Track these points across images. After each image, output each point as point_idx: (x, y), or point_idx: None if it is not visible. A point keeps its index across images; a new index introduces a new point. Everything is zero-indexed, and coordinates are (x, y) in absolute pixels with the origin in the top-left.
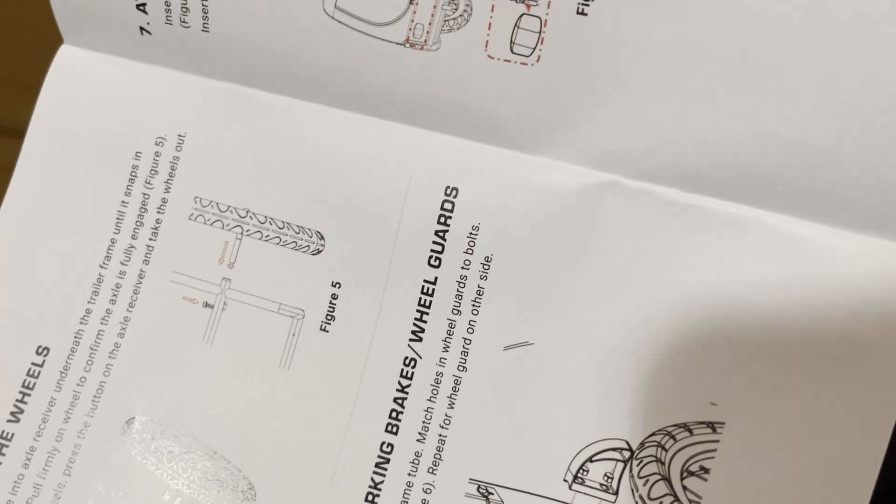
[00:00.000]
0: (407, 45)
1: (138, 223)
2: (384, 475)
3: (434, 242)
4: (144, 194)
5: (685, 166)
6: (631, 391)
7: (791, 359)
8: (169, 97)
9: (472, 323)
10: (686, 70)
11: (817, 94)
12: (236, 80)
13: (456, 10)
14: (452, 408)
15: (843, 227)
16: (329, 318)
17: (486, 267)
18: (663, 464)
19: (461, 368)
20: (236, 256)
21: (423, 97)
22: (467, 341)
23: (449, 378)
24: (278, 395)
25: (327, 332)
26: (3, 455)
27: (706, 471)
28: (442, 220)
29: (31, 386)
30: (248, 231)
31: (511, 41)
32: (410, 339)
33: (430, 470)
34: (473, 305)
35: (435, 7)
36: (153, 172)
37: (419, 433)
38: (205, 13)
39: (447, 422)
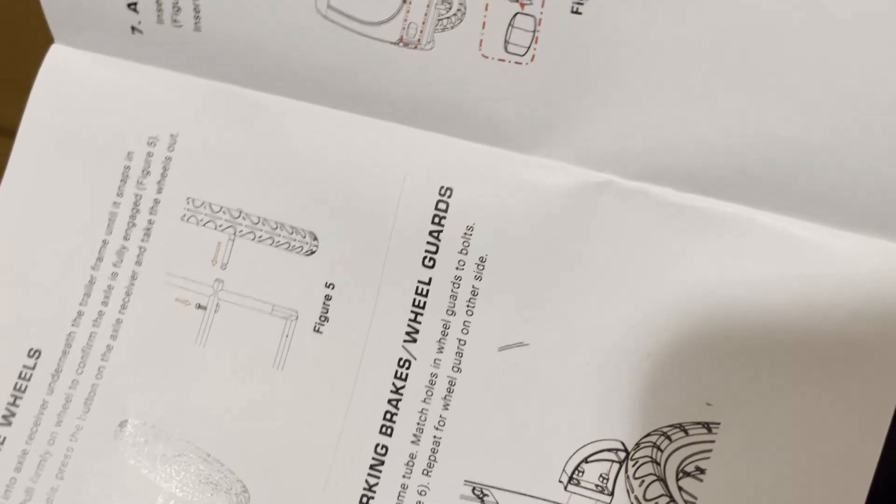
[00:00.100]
0: (400, 44)
1: (130, 224)
2: (379, 477)
3: (428, 243)
4: (136, 195)
5: (685, 166)
6: (628, 391)
7: (790, 359)
8: (161, 97)
9: (466, 324)
10: (686, 70)
11: (817, 94)
12: (228, 80)
13: (449, 9)
14: (447, 409)
15: (842, 227)
16: (323, 319)
17: (480, 267)
18: (659, 464)
19: (456, 369)
20: (229, 257)
21: (416, 97)
22: (462, 342)
23: (443, 379)
24: (271, 397)
25: (321, 333)
26: None
27: (702, 471)
28: (436, 220)
29: (22, 389)
30: (240, 232)
31: (505, 40)
32: (405, 341)
33: (425, 472)
34: (468, 306)
35: (428, 6)
36: (145, 173)
37: (414, 435)
38: (196, 12)
39: (442, 423)
